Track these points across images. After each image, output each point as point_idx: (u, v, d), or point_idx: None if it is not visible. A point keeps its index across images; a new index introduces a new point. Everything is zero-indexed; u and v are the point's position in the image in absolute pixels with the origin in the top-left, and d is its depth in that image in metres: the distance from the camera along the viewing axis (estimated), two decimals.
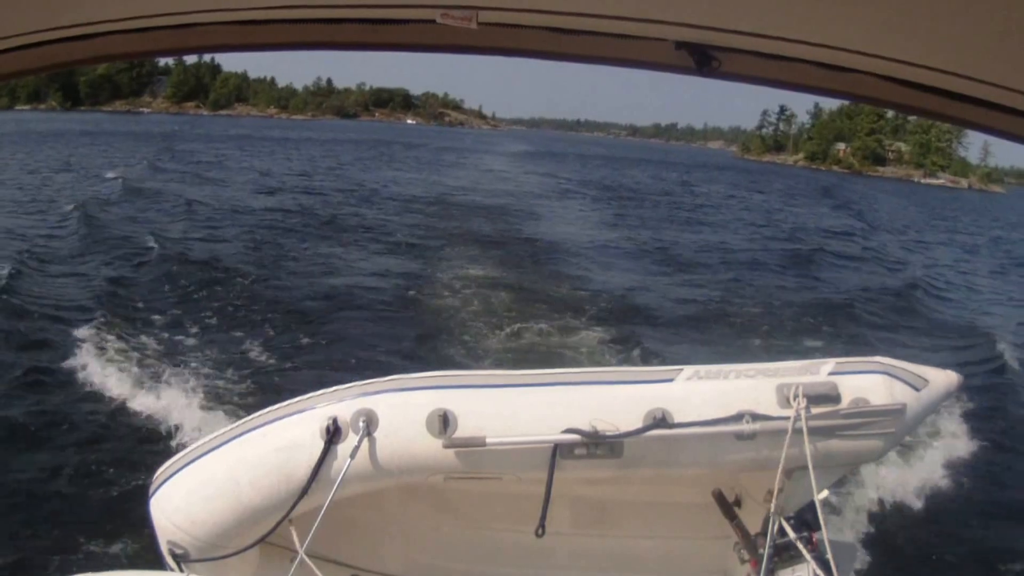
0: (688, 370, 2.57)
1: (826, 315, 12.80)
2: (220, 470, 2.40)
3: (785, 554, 2.53)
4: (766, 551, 2.49)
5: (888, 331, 12.50)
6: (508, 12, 1.26)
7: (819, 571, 2.42)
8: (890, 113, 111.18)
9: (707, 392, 2.50)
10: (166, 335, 8.94)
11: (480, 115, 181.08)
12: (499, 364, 8.53)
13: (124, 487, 5.41)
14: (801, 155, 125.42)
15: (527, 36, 1.33)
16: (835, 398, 2.48)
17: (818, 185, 61.70)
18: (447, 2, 1.20)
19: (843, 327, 12.06)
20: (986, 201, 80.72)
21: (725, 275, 16.82)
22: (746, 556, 2.65)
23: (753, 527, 2.65)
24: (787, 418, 2.42)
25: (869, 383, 2.52)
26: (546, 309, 11.33)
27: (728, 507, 2.66)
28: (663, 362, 7.91)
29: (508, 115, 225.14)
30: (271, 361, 8.47)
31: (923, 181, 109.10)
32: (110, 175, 26.27)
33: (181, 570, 2.42)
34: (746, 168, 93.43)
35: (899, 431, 2.55)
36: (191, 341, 8.84)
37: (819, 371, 2.57)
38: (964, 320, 14.51)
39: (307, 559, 2.32)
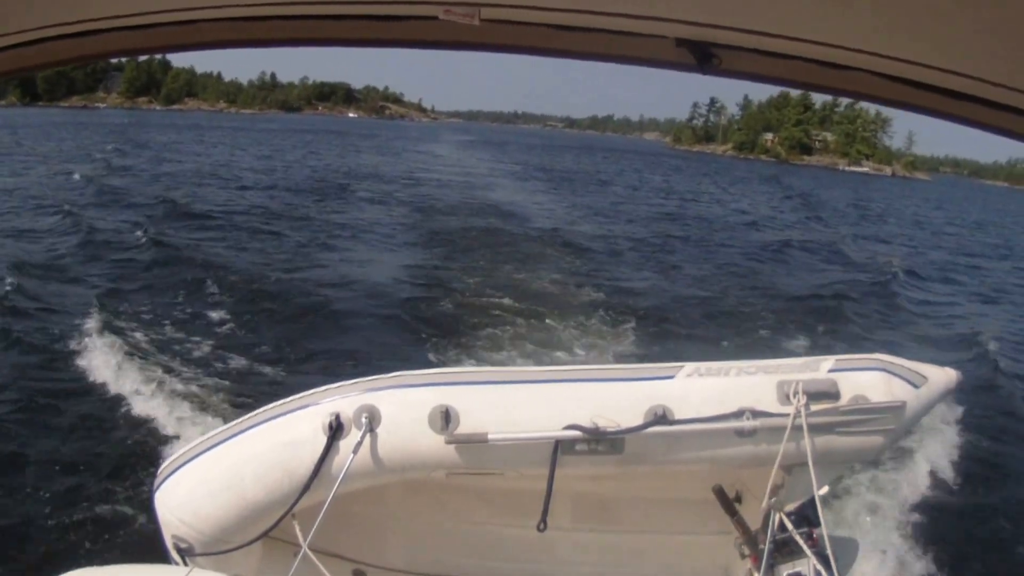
0: (689, 367, 2.58)
1: (813, 309, 12.90)
2: (224, 465, 2.42)
3: (785, 550, 2.54)
4: (766, 547, 2.50)
5: (871, 324, 12.61)
6: (510, 8, 1.26)
7: (819, 566, 2.43)
8: (818, 104, 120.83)
9: (708, 389, 2.51)
10: (170, 331, 8.95)
11: (420, 108, 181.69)
12: (501, 361, 8.55)
13: (128, 482, 5.41)
14: (730, 145, 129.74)
15: (529, 33, 1.33)
16: (835, 395, 2.49)
17: (763, 175, 65.33)
18: None
19: (832, 321, 12.15)
20: (914, 188, 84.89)
21: (707, 269, 17.04)
22: (747, 551, 2.66)
23: (754, 523, 2.66)
24: (787, 415, 2.43)
25: (868, 380, 2.54)
26: (544, 306, 11.34)
27: (729, 503, 2.67)
28: (664, 359, 7.89)
29: (446, 108, 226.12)
30: (274, 357, 8.47)
31: (847, 169, 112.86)
32: (91, 172, 26.28)
33: (185, 564, 2.43)
34: (675, 156, 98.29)
35: (898, 428, 2.56)
36: (195, 337, 8.84)
37: (819, 368, 2.58)
38: (945, 312, 14.81)
39: (310, 553, 2.33)
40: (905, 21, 1.05)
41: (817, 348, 9.81)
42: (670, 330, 10.82)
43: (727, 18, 1.18)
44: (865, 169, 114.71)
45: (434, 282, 12.67)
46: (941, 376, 2.67)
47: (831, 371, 2.56)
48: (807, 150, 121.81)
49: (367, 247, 16.04)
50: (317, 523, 2.32)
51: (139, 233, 14.79)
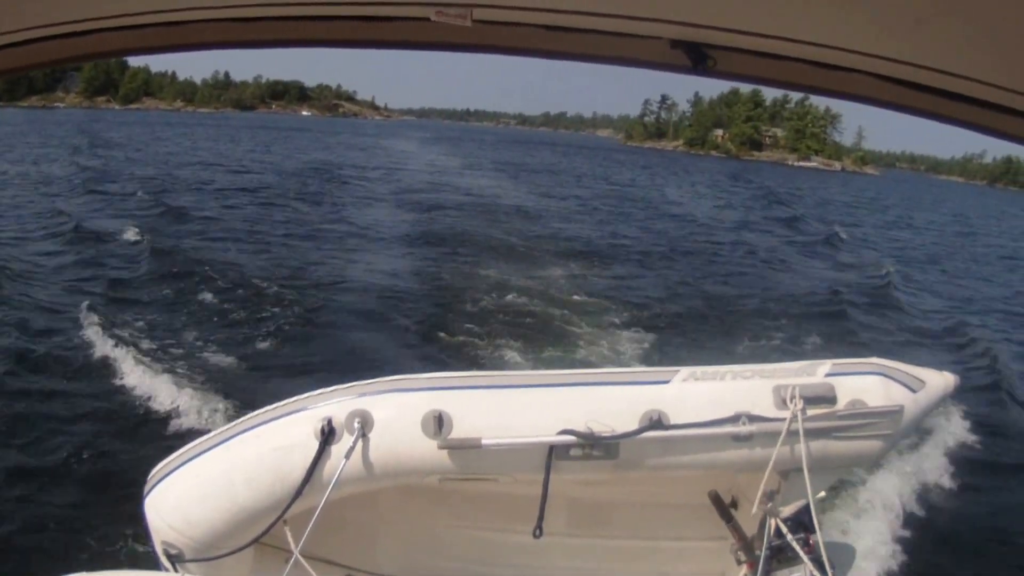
0: (684, 371, 2.56)
1: (809, 312, 13.01)
2: (215, 470, 2.40)
3: (782, 556, 2.52)
4: (763, 553, 2.49)
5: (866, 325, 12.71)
6: (503, 10, 1.25)
7: (816, 573, 2.41)
8: (768, 100, 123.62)
9: (703, 393, 2.49)
10: (159, 335, 8.93)
11: (373, 106, 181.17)
12: (494, 365, 8.53)
13: (118, 487, 5.38)
14: (681, 141, 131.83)
15: (522, 34, 1.32)
16: (831, 399, 2.47)
17: (729, 172, 67.77)
18: None
19: (829, 323, 12.24)
20: (864, 183, 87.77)
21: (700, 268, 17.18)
22: (743, 558, 2.64)
23: (750, 529, 2.65)
24: (784, 419, 2.42)
25: (866, 384, 2.52)
26: (538, 309, 11.34)
27: (724, 509, 2.65)
28: (659, 363, 7.94)
29: (398, 106, 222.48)
30: (266, 361, 8.46)
31: (796, 164, 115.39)
32: (75, 171, 26.49)
33: (176, 570, 2.41)
34: (624, 152, 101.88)
35: (896, 433, 2.54)
36: (185, 341, 8.82)
37: (815, 372, 2.56)
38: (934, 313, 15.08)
39: (302, 559, 2.31)
40: (900, 22, 1.04)
41: (814, 352, 9.83)
42: (666, 333, 10.83)
43: (722, 19, 1.17)
44: (814, 164, 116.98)
45: (425, 284, 12.69)
46: (939, 380, 2.65)
47: (828, 375, 2.54)
48: (757, 146, 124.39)
49: (356, 248, 16.10)
50: (309, 529, 2.30)
51: (130, 234, 14.75)
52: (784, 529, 2.51)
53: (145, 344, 8.42)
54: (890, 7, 1.01)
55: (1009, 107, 1.17)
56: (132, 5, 1.29)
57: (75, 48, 1.40)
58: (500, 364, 8.62)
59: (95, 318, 8.98)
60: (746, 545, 2.63)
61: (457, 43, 1.39)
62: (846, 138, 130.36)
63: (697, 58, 1.26)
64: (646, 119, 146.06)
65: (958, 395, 7.26)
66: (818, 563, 2.43)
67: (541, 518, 2.39)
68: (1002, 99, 1.16)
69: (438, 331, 9.94)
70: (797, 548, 2.47)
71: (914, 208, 53.75)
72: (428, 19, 1.23)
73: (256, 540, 2.40)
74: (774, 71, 1.31)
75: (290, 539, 2.35)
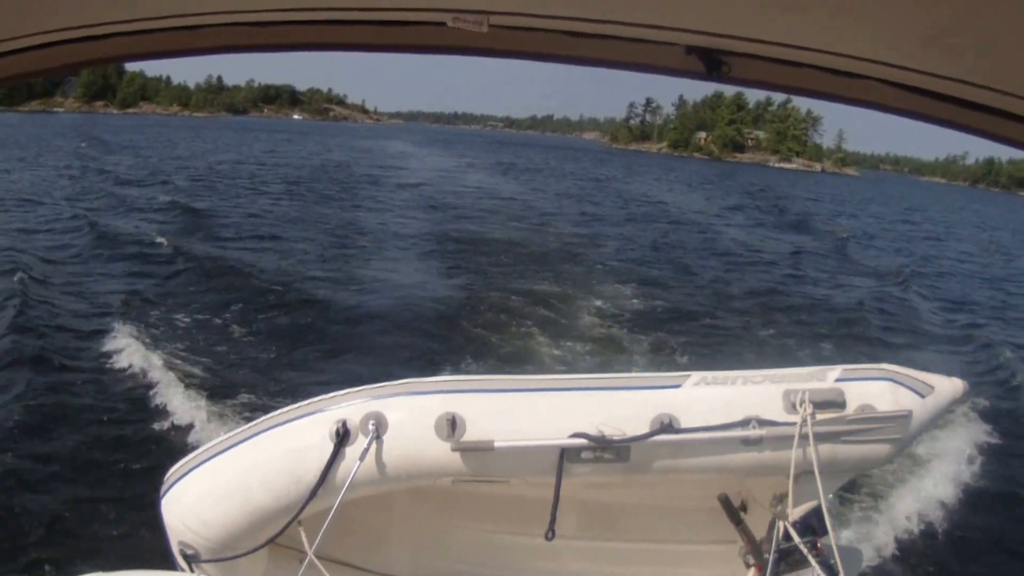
0: (695, 376, 2.57)
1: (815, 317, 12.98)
2: (231, 471, 2.42)
3: (791, 559, 2.52)
4: (771, 556, 2.49)
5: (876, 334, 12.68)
6: (519, 16, 1.27)
7: None
8: (752, 103, 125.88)
9: (714, 398, 2.51)
10: (176, 337, 8.98)
11: (363, 110, 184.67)
12: (507, 368, 8.54)
13: (135, 487, 5.43)
14: (665, 144, 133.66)
15: (538, 39, 1.34)
16: (841, 404, 2.49)
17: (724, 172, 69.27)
18: (458, 5, 1.21)
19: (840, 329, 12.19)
20: (848, 184, 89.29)
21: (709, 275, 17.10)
22: (752, 561, 2.65)
23: (759, 532, 2.65)
24: (793, 424, 2.43)
25: (875, 390, 2.53)
26: (549, 311, 11.34)
27: (734, 512, 2.66)
28: (670, 368, 7.96)
29: (386, 109, 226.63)
30: (282, 364, 8.50)
31: (777, 165, 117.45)
32: (90, 177, 26.69)
33: (192, 570, 2.43)
34: (608, 154, 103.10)
35: (905, 438, 2.55)
36: (201, 344, 8.87)
37: (825, 377, 2.57)
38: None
39: (316, 561, 2.33)
40: (915, 30, 1.05)
41: (823, 358, 9.79)
42: (677, 339, 10.81)
43: (737, 27, 1.18)
44: (795, 166, 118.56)
45: (438, 286, 12.70)
46: (948, 386, 2.66)
47: (837, 380, 2.56)
48: (739, 148, 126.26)
49: (369, 249, 16.16)
50: (323, 530, 2.32)
51: (150, 238, 14.83)
52: (793, 532, 2.51)
53: (161, 346, 8.47)
54: (904, 15, 1.02)
55: (1022, 116, 1.18)
56: (147, 9, 1.30)
57: (90, 52, 1.41)
58: (513, 367, 8.63)
59: (112, 319, 9.05)
60: (755, 548, 2.63)
61: (473, 48, 1.41)
62: (828, 140, 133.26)
63: (712, 65, 1.28)
64: (631, 122, 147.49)
65: (967, 400, 7.26)
66: (827, 566, 2.43)
67: (553, 520, 2.40)
68: (1016, 107, 1.17)
69: (451, 334, 9.96)
70: (806, 551, 2.48)
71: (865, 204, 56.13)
72: (445, 24, 1.24)
73: (271, 541, 2.42)
74: (788, 78, 1.32)
75: (304, 540, 2.37)
